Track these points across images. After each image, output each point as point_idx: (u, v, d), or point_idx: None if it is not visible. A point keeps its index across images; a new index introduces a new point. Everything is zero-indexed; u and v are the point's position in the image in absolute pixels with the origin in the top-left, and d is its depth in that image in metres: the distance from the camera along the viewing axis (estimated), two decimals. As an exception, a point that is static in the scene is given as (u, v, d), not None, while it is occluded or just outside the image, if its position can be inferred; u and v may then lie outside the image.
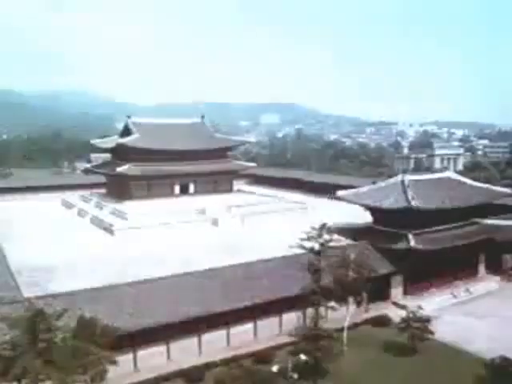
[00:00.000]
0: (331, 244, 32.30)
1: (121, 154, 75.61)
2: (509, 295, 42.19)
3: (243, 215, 68.64)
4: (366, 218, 46.87)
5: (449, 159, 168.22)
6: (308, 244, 32.16)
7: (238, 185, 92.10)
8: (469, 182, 47.52)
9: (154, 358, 29.41)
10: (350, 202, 45.64)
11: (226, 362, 29.36)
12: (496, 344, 31.80)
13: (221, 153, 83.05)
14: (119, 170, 71.14)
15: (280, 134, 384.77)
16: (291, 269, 35.20)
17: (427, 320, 31.89)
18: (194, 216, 67.21)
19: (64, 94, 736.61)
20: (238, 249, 50.97)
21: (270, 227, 62.76)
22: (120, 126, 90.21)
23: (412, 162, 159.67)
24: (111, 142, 78.26)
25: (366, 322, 35.81)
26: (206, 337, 31.26)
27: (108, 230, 61.63)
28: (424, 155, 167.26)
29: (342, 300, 31.81)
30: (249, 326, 33.00)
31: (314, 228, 32.07)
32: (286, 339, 32.18)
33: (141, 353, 29.11)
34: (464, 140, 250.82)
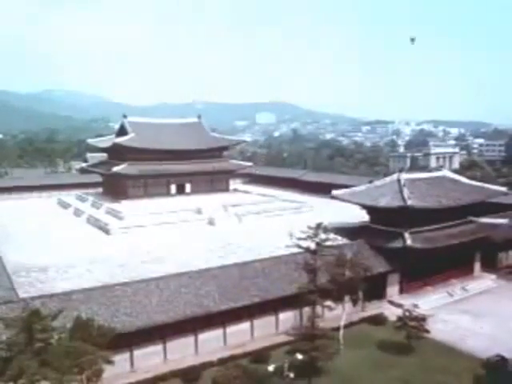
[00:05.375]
0: (327, 243, 32.29)
1: (117, 153, 75.50)
2: (505, 294, 42.31)
3: (240, 215, 68.62)
4: (362, 217, 46.95)
5: (444, 158, 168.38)
6: (304, 243, 32.15)
7: (234, 184, 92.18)
8: (464, 180, 47.64)
9: (151, 358, 29.38)
10: (346, 201, 45.66)
11: (222, 361, 29.34)
12: (492, 342, 31.93)
13: (217, 152, 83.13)
14: (115, 169, 71.07)
15: (276, 134, 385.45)
16: (288, 268, 35.26)
17: (423, 319, 31.94)
18: (190, 215, 67.13)
19: (61, 94, 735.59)
20: (235, 248, 51.02)
21: (266, 226, 62.77)
22: (116, 126, 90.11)
23: (408, 160, 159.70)
24: (107, 141, 78.22)
25: (363, 320, 35.85)
26: (203, 336, 31.23)
27: (104, 229, 61.48)
28: (420, 154, 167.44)
29: (339, 299, 31.87)
30: (245, 325, 32.98)
31: (310, 227, 32.05)
32: (282, 338, 32.28)
33: (137, 352, 29.05)
34: (460, 139, 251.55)
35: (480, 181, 52.57)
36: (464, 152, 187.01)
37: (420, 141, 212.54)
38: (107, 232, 60.34)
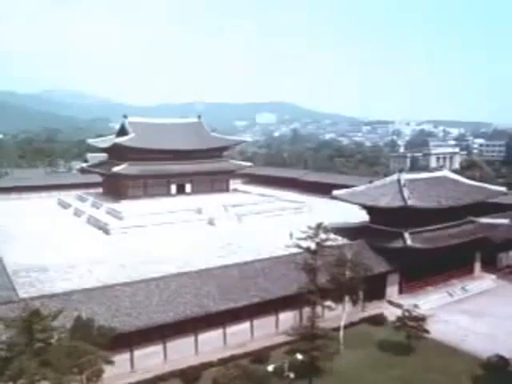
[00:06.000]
0: (328, 243, 32.31)
1: (117, 153, 75.54)
2: (504, 294, 42.32)
3: (240, 215, 68.65)
4: (362, 217, 46.94)
5: (445, 158, 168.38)
6: (304, 243, 32.17)
7: (234, 184, 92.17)
8: (464, 180, 47.63)
9: (151, 358, 29.38)
10: (346, 201, 45.66)
11: (222, 361, 29.34)
12: (492, 343, 31.91)
13: (217, 152, 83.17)
14: (115, 169, 71.10)
15: (276, 134, 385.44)
16: (288, 268, 35.25)
17: (423, 319, 31.93)
18: (190, 216, 67.16)
19: (61, 94, 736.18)
20: (235, 248, 51.06)
21: (266, 227, 62.79)
22: (116, 126, 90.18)
23: (408, 160, 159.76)
24: (108, 141, 78.27)
25: (362, 320, 35.86)
26: (203, 336, 31.24)
27: (104, 229, 61.52)
28: (420, 154, 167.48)
29: (339, 299, 31.89)
30: (245, 325, 32.99)
31: (310, 227, 32.06)
32: (282, 339, 32.21)
33: (137, 353, 29.06)
34: (460, 139, 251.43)
35: (479, 181, 52.61)
36: (464, 152, 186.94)
37: (420, 141, 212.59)
38: (107, 232, 60.38)
